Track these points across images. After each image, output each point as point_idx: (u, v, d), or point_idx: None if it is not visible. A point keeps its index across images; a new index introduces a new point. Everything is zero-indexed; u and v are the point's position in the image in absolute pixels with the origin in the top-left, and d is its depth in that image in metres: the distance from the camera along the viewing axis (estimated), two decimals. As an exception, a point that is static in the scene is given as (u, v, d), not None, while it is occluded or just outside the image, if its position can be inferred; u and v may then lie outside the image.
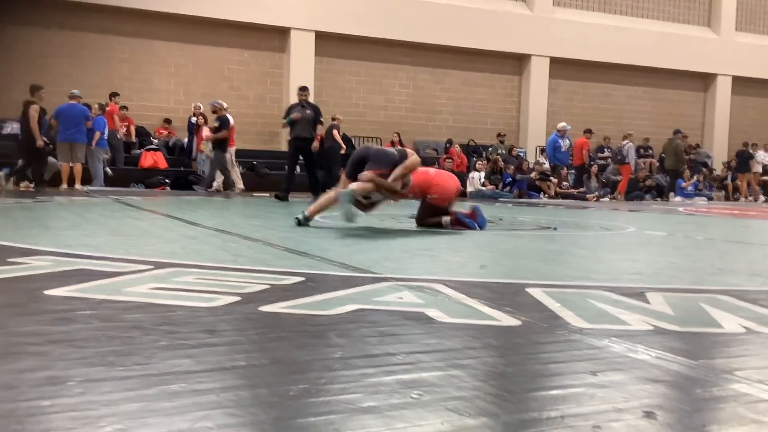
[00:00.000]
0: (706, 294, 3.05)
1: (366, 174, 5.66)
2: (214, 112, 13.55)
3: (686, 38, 21.39)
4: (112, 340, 1.98)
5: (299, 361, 1.83)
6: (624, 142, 17.91)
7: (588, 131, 17.24)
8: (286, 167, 11.58)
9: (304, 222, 5.83)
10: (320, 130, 11.51)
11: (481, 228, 6.16)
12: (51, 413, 1.40)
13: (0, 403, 1.45)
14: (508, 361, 1.92)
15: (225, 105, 13.68)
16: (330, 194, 5.95)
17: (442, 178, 6.40)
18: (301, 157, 11.42)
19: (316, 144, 10.97)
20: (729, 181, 20.03)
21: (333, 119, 15.56)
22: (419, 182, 6.15)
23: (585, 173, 17.05)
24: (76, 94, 12.69)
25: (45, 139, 12.76)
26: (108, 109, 14.62)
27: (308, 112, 10.90)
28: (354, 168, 5.83)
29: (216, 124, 13.41)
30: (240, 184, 14.09)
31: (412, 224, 6.01)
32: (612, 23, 20.53)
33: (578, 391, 1.64)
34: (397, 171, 5.79)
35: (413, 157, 6.00)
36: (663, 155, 19.16)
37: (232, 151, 13.94)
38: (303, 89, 11.19)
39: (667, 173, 18.54)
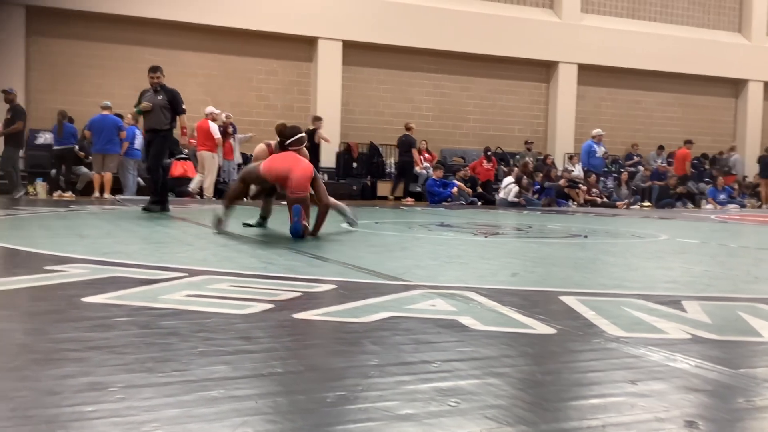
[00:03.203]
0: (744, 302, 3.00)
1: None
2: (7, 101, 11.58)
3: (716, 44, 21.13)
4: (151, 347, 2.00)
5: (335, 368, 1.83)
6: (732, 154, 18.91)
7: (689, 142, 17.72)
8: (147, 168, 9.55)
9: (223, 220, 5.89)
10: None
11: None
12: (94, 419, 1.42)
13: (44, 408, 1.47)
14: (545, 369, 1.91)
15: (14, 90, 11.80)
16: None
17: (299, 165, 5.52)
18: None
19: (186, 139, 9.14)
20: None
21: (407, 129, 15.87)
22: (277, 173, 5.49)
23: (686, 183, 17.46)
24: (107, 105, 12.96)
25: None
26: None
27: (160, 98, 8.87)
28: None
29: (8, 116, 11.53)
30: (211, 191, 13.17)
31: (441, 232, 5.86)
32: (640, 29, 20.34)
33: (618, 400, 1.62)
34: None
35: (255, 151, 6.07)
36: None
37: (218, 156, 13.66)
38: (154, 70, 9.10)
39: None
